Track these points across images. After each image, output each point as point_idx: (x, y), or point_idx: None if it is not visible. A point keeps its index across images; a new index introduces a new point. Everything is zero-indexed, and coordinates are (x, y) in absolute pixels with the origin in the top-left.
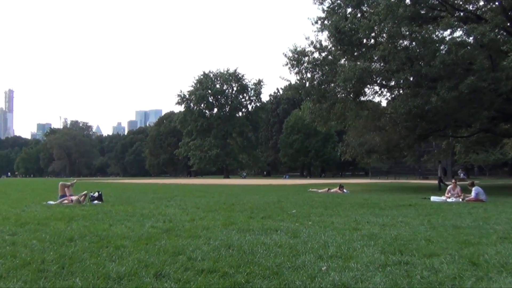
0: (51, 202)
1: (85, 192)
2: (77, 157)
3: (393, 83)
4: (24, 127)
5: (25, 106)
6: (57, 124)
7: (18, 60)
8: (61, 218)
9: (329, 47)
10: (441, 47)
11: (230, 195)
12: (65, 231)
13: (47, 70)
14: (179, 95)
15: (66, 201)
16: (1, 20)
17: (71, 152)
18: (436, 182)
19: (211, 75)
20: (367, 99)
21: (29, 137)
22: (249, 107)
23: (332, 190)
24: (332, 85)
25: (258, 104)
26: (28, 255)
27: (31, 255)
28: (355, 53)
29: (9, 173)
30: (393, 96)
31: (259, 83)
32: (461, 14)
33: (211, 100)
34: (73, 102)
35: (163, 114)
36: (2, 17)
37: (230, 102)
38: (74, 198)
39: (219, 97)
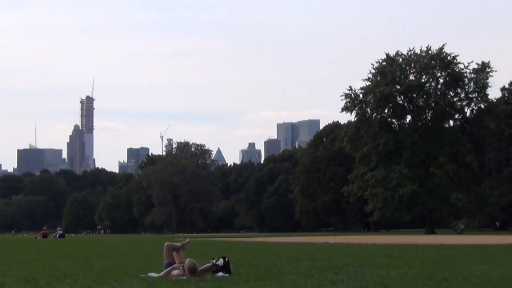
0: (153, 275)
1: (210, 264)
2: (189, 201)
3: None
4: (108, 154)
5: (108, 120)
6: (157, 148)
7: (98, 55)
8: None
9: None
10: None
11: (439, 263)
12: None
13: (140, 68)
14: (347, 96)
15: (175, 273)
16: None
17: (179, 193)
18: None
19: (400, 59)
20: None
21: (116, 169)
22: (467, 110)
23: None
24: None
25: (482, 106)
26: None
27: None
28: None
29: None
30: None
31: (483, 69)
32: None
33: (400, 102)
34: (180, 113)
35: (321, 128)
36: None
37: (433, 104)
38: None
39: (414, 95)
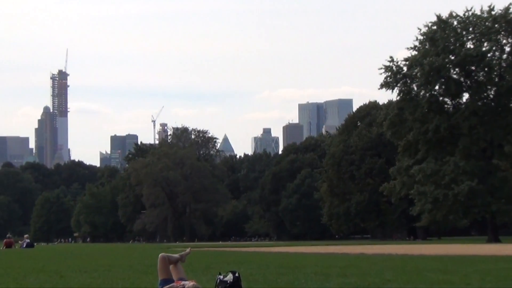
0: None
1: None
2: (188, 202)
3: None
4: (87, 142)
5: (86, 100)
6: (149, 135)
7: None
8: None
9: None
10: None
11: (505, 279)
12: None
13: (125, 35)
14: (387, 69)
15: None
16: None
17: (176, 192)
18: None
19: (454, 22)
20: None
21: (96, 162)
22: None
23: None
24: None
25: None
26: None
27: None
28: None
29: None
30: None
31: None
32: None
33: (455, 76)
34: (176, 92)
35: (354, 110)
36: None
37: (497, 79)
38: (189, 284)
39: (473, 68)
